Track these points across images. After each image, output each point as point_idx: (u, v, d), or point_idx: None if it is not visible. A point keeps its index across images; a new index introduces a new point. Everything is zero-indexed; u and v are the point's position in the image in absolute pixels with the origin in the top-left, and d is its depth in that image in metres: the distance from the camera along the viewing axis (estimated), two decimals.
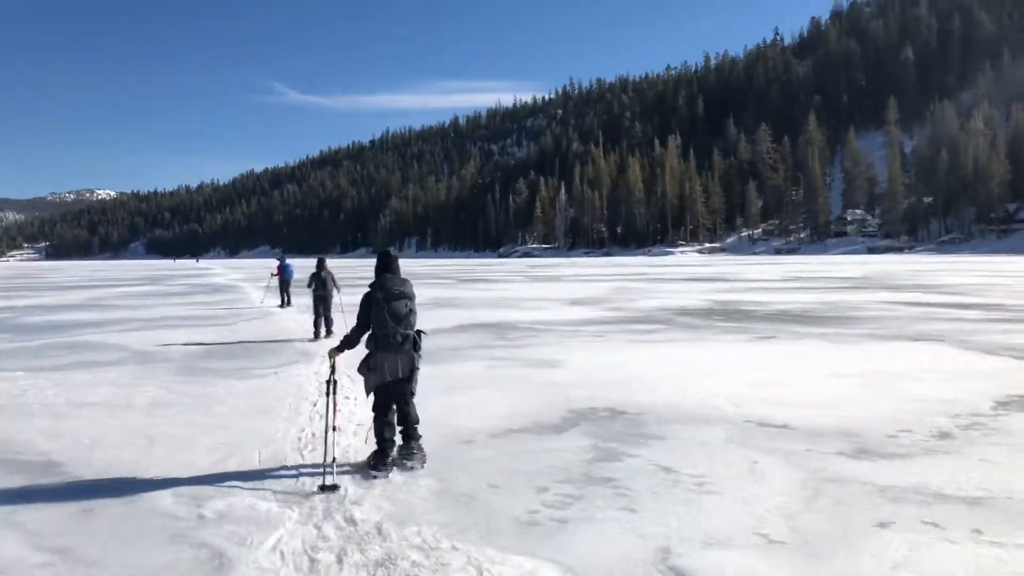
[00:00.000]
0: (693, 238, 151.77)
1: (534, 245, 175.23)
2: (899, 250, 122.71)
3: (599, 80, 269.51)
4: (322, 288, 15.10)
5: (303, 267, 26.82)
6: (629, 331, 15.00)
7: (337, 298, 15.26)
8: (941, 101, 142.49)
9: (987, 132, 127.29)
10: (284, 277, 22.96)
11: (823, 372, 9.76)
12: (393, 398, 5.89)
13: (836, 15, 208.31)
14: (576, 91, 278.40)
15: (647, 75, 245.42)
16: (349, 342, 5.96)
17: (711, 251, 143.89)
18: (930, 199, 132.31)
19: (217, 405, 8.30)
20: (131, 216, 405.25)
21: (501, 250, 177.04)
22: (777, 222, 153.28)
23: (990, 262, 61.00)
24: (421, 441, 5.98)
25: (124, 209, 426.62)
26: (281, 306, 22.47)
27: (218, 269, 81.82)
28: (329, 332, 14.81)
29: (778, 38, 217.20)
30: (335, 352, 6.09)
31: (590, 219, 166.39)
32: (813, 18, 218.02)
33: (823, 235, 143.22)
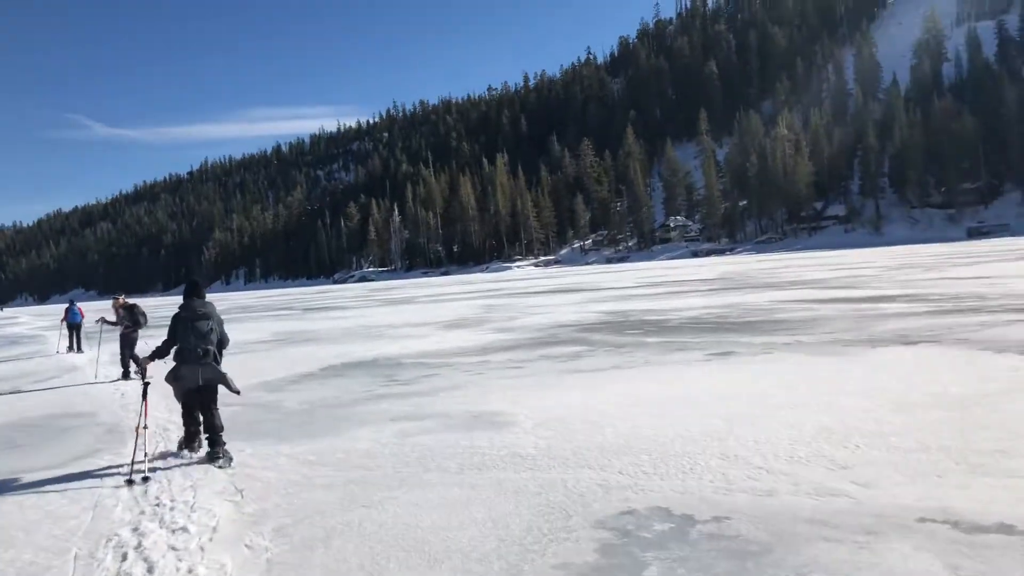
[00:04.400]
0: (528, 252, 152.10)
1: (370, 269, 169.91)
2: (721, 252, 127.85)
3: (423, 102, 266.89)
4: (128, 323, 13.98)
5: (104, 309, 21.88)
6: (549, 357, 12.10)
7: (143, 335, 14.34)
8: (746, 111, 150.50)
9: (791, 137, 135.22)
10: (70, 321, 22.13)
11: (884, 404, 7.22)
12: (197, 406, 6.80)
13: (643, 33, 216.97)
14: (400, 114, 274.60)
15: (470, 96, 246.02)
16: (159, 353, 6.92)
17: (547, 263, 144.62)
18: (744, 202, 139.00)
19: None
20: None
21: (336, 276, 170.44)
22: (606, 232, 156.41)
23: (819, 256, 63.17)
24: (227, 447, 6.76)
25: None
26: (69, 351, 21.62)
27: (23, 317, 72.08)
28: (126, 374, 13.75)
29: (591, 57, 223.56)
30: (146, 361, 7.03)
31: (425, 239, 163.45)
32: (622, 37, 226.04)
33: (650, 242, 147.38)
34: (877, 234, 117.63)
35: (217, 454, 6.66)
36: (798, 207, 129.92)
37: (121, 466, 6.75)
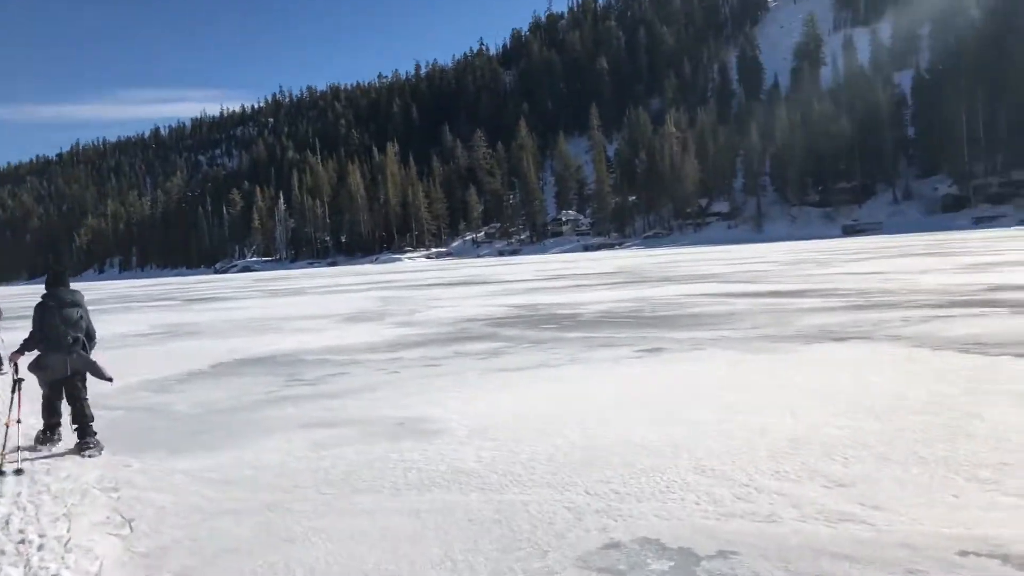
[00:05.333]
0: (419, 243, 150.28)
1: (254, 259, 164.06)
2: (611, 246, 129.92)
3: (310, 88, 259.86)
4: None
5: None
6: (465, 355, 11.31)
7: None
8: (636, 107, 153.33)
9: (679, 135, 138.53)
10: None
11: (849, 407, 6.78)
12: (60, 397, 6.67)
13: (536, 27, 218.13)
14: (287, 99, 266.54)
15: (359, 83, 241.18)
16: (28, 345, 6.68)
17: (439, 255, 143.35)
18: (634, 198, 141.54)
19: None
20: None
21: (217, 265, 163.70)
22: (498, 225, 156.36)
23: (707, 252, 64.64)
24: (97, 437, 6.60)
25: None
26: None
27: None
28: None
29: (484, 48, 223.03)
30: (16, 355, 6.75)
31: (312, 229, 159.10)
32: (515, 30, 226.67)
33: (542, 236, 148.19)
34: (758, 231, 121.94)
35: (87, 444, 6.48)
36: (685, 204, 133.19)
37: None
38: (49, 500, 5.22)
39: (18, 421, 6.34)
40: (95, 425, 6.74)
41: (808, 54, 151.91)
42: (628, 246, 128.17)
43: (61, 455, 6.58)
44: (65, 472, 5.96)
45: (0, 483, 5.68)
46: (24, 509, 5.03)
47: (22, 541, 4.43)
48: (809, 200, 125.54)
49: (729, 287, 21.98)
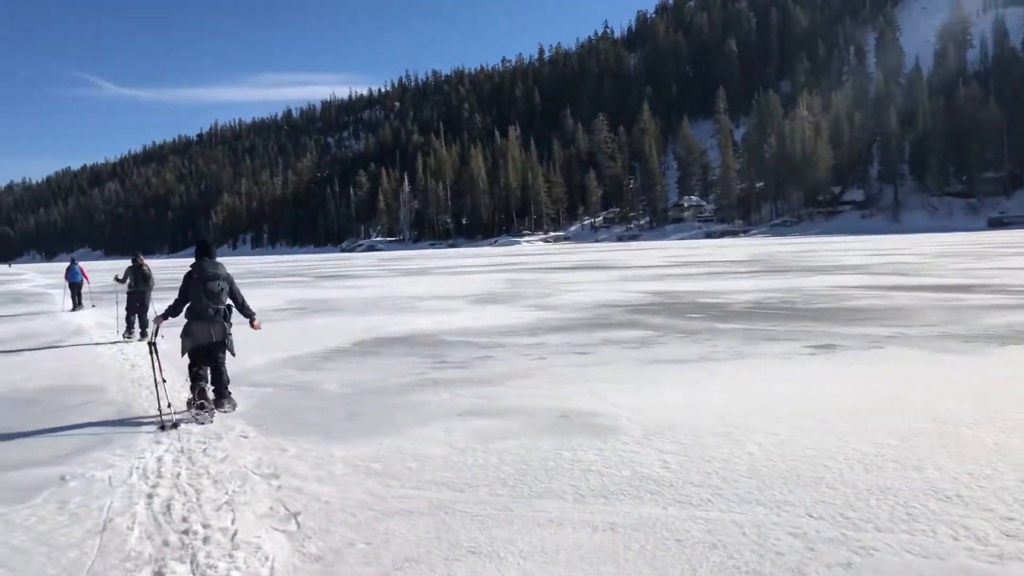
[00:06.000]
0: (537, 227, 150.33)
1: (378, 238, 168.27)
2: (734, 234, 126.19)
3: (435, 72, 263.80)
4: (138, 284, 13.74)
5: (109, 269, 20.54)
6: (613, 343, 10.66)
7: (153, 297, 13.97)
8: (766, 91, 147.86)
9: (811, 119, 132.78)
10: (70, 280, 21.91)
11: None
12: (206, 360, 6.99)
13: (662, 9, 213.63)
14: (412, 83, 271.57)
15: (483, 67, 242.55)
16: (171, 312, 7.12)
17: (556, 239, 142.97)
18: (761, 184, 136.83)
19: None
20: None
21: (343, 244, 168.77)
22: (617, 210, 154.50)
23: (842, 241, 61.47)
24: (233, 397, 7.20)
25: None
26: (72, 310, 21.29)
27: (29, 274, 70.94)
28: (144, 334, 13.07)
29: (608, 31, 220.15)
30: (160, 319, 7.26)
31: (435, 211, 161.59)
32: (640, 12, 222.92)
33: (662, 221, 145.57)
34: (895, 221, 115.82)
35: (222, 404, 7.03)
36: (815, 191, 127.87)
37: (135, 465, 5.37)
38: (209, 484, 4.91)
39: (163, 381, 6.91)
40: (246, 403, 6.58)
41: (954, 35, 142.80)
42: (753, 234, 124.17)
43: (217, 459, 6.33)
44: (222, 452, 5.68)
45: (164, 435, 5.97)
46: (185, 493, 4.74)
47: (186, 531, 4.10)
48: (951, 190, 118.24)
49: (881, 279, 20.46)
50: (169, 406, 6.77)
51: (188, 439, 6.12)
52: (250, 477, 5.05)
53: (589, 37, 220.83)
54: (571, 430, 5.97)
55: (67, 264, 23.40)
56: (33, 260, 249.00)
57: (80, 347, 12.78)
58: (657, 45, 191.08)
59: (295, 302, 21.19)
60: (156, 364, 6.95)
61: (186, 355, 7.01)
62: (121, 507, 4.52)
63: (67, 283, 22.24)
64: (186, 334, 6.96)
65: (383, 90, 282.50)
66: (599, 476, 4.82)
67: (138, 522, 4.28)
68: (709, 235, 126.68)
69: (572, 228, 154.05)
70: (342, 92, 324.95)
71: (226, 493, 4.73)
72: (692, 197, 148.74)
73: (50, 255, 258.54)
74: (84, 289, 22.29)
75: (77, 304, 21.78)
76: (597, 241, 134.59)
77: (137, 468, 5.30)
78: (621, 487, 4.60)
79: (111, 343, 13.20)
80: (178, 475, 5.12)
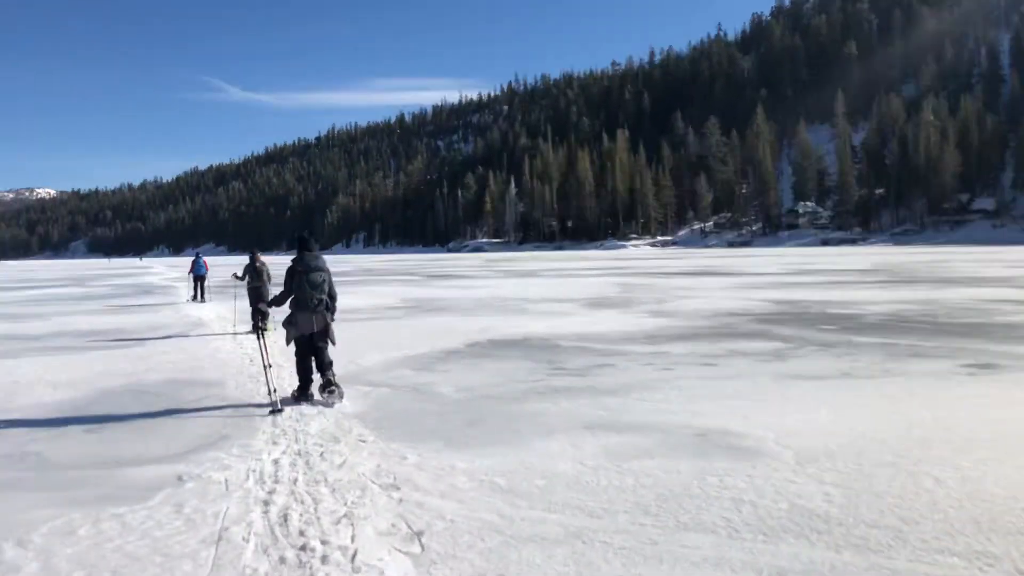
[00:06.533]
0: (645, 231, 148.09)
1: (484, 240, 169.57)
2: (852, 242, 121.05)
3: (544, 76, 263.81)
4: (256, 280, 14.40)
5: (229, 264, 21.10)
6: (742, 354, 9.98)
7: (269, 290, 14.28)
8: (887, 94, 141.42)
9: (937, 124, 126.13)
10: (196, 273, 23.06)
11: None
12: (310, 349, 7.33)
13: (778, 11, 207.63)
14: (522, 87, 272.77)
15: (591, 71, 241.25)
16: (276, 302, 7.72)
17: (664, 244, 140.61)
18: (881, 190, 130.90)
19: None
20: (72, 215, 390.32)
21: (450, 245, 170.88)
22: (728, 215, 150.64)
23: (975, 252, 57.77)
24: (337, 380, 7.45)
25: (65, 208, 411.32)
26: (194, 301, 22.40)
27: (157, 268, 74.69)
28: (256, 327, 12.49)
29: (722, 34, 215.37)
30: (266, 307, 8.19)
31: (541, 213, 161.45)
32: (755, 14, 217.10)
33: (775, 228, 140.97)
34: None
35: (330, 389, 7.30)
36: (940, 198, 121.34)
37: (252, 468, 5.14)
38: (327, 493, 4.61)
39: (270, 365, 7.48)
40: (362, 403, 6.27)
41: None
42: (872, 242, 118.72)
43: (334, 467, 6.07)
44: (340, 457, 5.40)
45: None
46: (302, 502, 4.45)
47: (303, 547, 3.79)
48: None
49: None
50: (275, 391, 7.17)
51: (305, 440, 5.88)
52: (369, 487, 4.72)
53: (701, 40, 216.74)
54: (712, 451, 5.42)
55: (192, 258, 24.46)
56: (161, 254, 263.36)
57: (201, 340, 12.96)
58: (772, 47, 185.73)
59: (408, 300, 21.21)
60: (264, 350, 7.55)
61: (291, 344, 7.39)
62: (237, 515, 4.26)
63: (192, 276, 23.29)
64: (290, 323, 7.29)
65: (492, 94, 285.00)
66: (753, 508, 4.27)
67: (254, 533, 4.00)
68: (825, 242, 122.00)
69: (681, 233, 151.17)
70: (453, 96, 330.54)
71: (344, 504, 4.42)
72: (807, 203, 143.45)
73: (177, 250, 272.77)
74: (207, 283, 23.24)
75: (201, 297, 22.75)
76: (707, 247, 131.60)
77: (253, 471, 5.07)
78: (781, 522, 4.04)
79: (231, 334, 13.39)
80: (295, 481, 4.85)
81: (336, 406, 7.11)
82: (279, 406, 6.90)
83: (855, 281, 25.64)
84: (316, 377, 7.44)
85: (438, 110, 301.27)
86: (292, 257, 7.54)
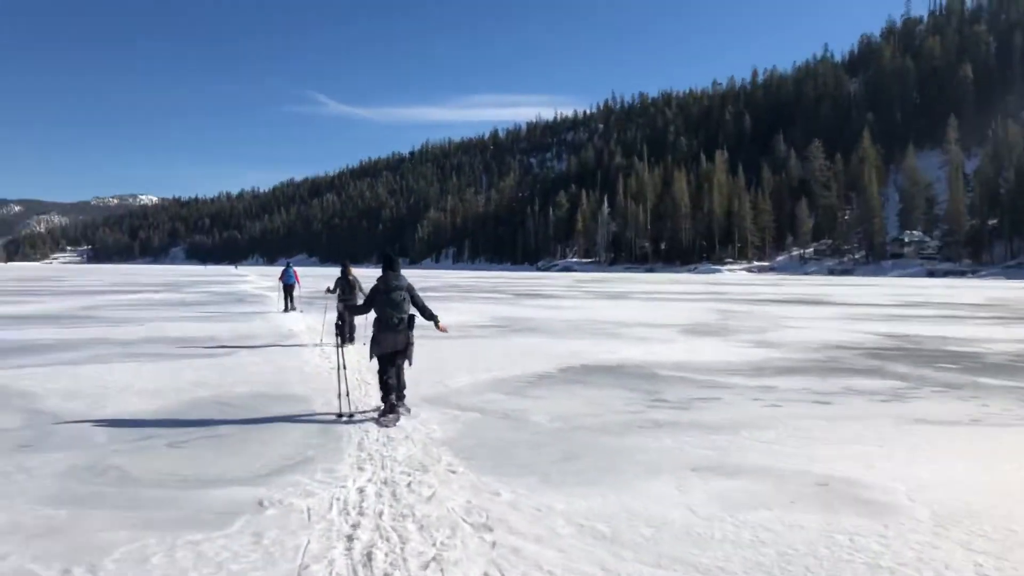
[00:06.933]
0: (741, 256, 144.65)
1: (573, 259, 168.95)
2: (961, 274, 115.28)
3: (642, 94, 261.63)
4: (347, 293, 14.18)
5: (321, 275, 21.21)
6: (858, 392, 9.25)
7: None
8: (1004, 120, 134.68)
9: None
10: (285, 282, 23.32)
11: None
12: (390, 365, 7.48)
13: (889, 32, 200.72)
14: (618, 105, 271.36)
15: (691, 90, 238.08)
16: (356, 309, 8.44)
17: (760, 270, 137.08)
18: (994, 221, 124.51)
19: None
20: (172, 221, 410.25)
21: (540, 263, 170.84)
22: (829, 242, 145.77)
23: None
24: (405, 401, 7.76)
25: (165, 214, 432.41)
26: (285, 310, 22.69)
27: (251, 276, 77.04)
28: (352, 339, 13.47)
29: (828, 55, 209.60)
30: (343, 308, 10.00)
31: (633, 234, 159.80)
32: (864, 35, 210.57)
33: (879, 256, 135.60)
34: None
35: (397, 407, 7.50)
36: None
37: (336, 496, 4.86)
38: (415, 531, 4.27)
39: (344, 367, 7.93)
40: (451, 427, 5.92)
41: None
42: (983, 275, 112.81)
43: (422, 498, 5.75)
44: (428, 489, 5.07)
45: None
46: (388, 540, 4.12)
47: None
48: None
49: None
50: (347, 394, 7.72)
51: (392, 468, 5.58)
52: (460, 526, 4.37)
53: (807, 60, 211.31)
54: (837, 504, 4.86)
55: (282, 267, 24.74)
56: (256, 263, 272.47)
57: (289, 352, 12.95)
58: (882, 69, 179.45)
59: (497, 319, 20.95)
60: (341, 356, 8.01)
61: (374, 359, 7.58)
62: (318, 551, 3.96)
63: (282, 285, 23.63)
64: (375, 342, 7.55)
65: (587, 112, 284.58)
66: None
67: (335, 573, 3.68)
68: (931, 273, 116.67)
69: (779, 259, 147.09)
70: (547, 113, 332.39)
71: (433, 545, 4.07)
72: (914, 232, 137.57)
73: (271, 259, 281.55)
74: (295, 292, 23.51)
75: (290, 306, 23.04)
76: (805, 274, 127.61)
77: (338, 500, 4.78)
78: None
79: (319, 346, 13.34)
80: (381, 514, 4.53)
81: (424, 432, 6.80)
82: (349, 413, 7.41)
83: (970, 316, 24.11)
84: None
85: (532, 127, 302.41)
86: (377, 277, 7.82)
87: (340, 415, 7.34)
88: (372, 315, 7.74)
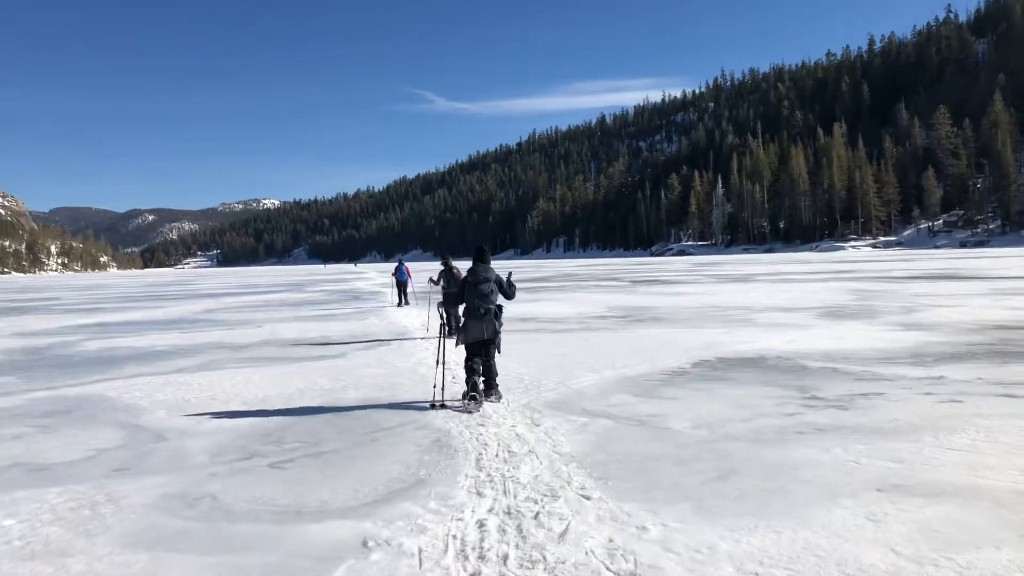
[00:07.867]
0: (864, 231, 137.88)
1: (688, 242, 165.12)
2: None
3: (752, 70, 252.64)
4: (450, 286, 13.95)
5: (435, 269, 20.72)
6: None
7: None
8: None
9: None
10: (397, 279, 23.79)
11: None
12: (478, 354, 7.79)
13: None
14: (728, 83, 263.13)
15: (804, 63, 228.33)
16: (446, 301, 10.65)
17: (886, 245, 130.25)
18: None
19: None
20: (294, 223, 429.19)
21: (653, 248, 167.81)
22: (960, 213, 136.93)
23: None
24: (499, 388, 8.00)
25: (287, 217, 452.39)
26: (398, 306, 23.12)
27: (370, 273, 78.40)
28: (455, 330, 13.14)
29: (951, 15, 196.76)
30: (440, 306, 10.33)
31: (749, 213, 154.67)
32: None
33: (1016, 226, 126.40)
34: None
35: (492, 393, 7.86)
36: None
37: (452, 532, 4.13)
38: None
39: (442, 362, 8.29)
40: (578, 438, 5.09)
41: None
42: None
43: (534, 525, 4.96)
44: (560, 521, 4.26)
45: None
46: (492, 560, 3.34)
47: None
48: None
49: None
50: (442, 388, 7.91)
51: (515, 492, 4.80)
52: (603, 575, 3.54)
53: (928, 24, 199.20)
54: None
55: (395, 264, 25.26)
56: (374, 260, 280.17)
57: (402, 351, 12.42)
58: (1012, 27, 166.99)
59: (615, 309, 19.99)
60: (441, 349, 8.34)
61: (461, 347, 7.90)
62: None
63: (395, 281, 24.10)
64: (462, 330, 7.88)
65: (697, 92, 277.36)
66: None
67: None
68: None
69: (905, 232, 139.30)
70: (655, 96, 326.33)
71: None
72: None
73: (387, 255, 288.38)
74: (408, 288, 23.66)
75: (403, 301, 23.41)
76: (935, 247, 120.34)
77: (454, 538, 4.04)
78: None
79: (430, 339, 12.80)
80: (505, 559, 3.75)
81: (549, 445, 5.98)
82: (441, 403, 7.62)
83: None
84: (481, 383, 7.75)
85: (640, 110, 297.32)
86: (468, 269, 8.11)
87: (433, 404, 7.61)
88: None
